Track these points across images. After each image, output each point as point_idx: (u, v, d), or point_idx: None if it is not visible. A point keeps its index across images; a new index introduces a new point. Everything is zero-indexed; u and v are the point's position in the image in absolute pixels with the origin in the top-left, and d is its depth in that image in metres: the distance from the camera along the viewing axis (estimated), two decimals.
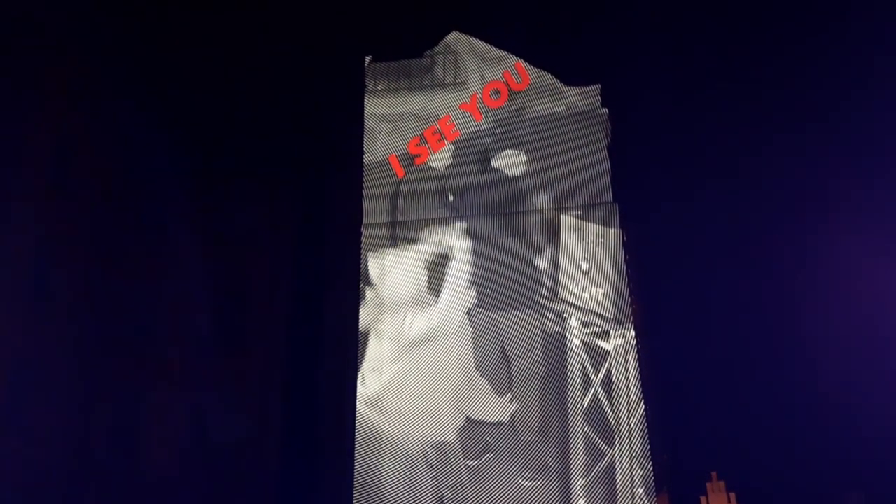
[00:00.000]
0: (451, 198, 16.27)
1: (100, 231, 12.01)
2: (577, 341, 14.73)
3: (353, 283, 15.73)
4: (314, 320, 15.94)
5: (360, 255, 16.12)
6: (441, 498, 14.13)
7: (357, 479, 14.38)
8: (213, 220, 15.21)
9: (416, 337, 15.26)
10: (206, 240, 14.90)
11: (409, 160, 16.70)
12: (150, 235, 13.64)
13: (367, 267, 15.95)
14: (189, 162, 14.78)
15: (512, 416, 14.52)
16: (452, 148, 16.66)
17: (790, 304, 14.50)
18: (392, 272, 15.81)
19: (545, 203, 15.88)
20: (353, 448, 14.57)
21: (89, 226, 11.83)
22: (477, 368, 14.91)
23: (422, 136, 16.83)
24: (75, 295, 11.29)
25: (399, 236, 16.20)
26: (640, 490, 13.62)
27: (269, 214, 15.97)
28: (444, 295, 15.40)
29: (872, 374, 13.37)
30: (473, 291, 15.39)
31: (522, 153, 16.26)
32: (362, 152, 16.95)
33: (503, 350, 14.98)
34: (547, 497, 13.85)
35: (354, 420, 14.74)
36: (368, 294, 15.70)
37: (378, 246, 16.16)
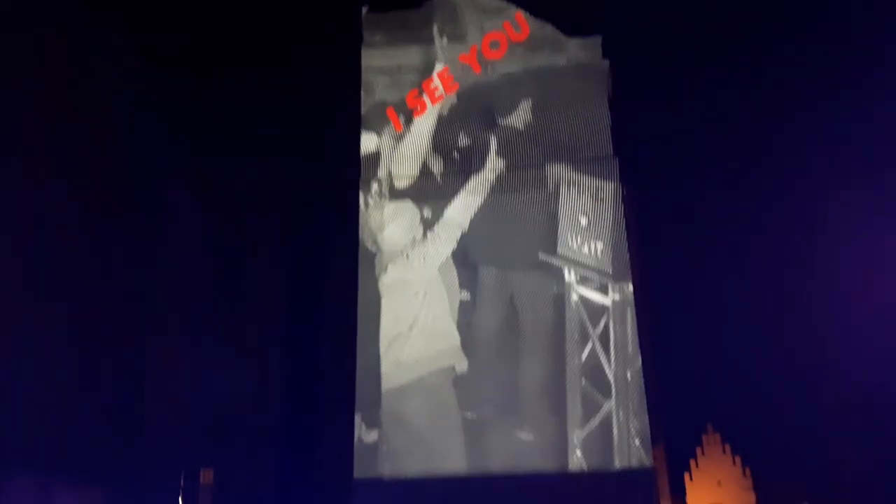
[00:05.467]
0: (456, 155, 16.10)
1: (101, 194, 11.86)
2: (575, 296, 14.75)
3: (352, 236, 15.67)
4: (314, 274, 15.91)
5: (357, 208, 16.01)
6: (440, 449, 14.31)
7: (357, 436, 14.53)
8: (212, 179, 15.02)
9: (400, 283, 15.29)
10: (206, 199, 14.74)
11: (407, 113, 16.49)
12: (150, 198, 13.46)
13: (367, 220, 15.90)
14: (187, 122, 14.51)
15: (508, 370, 14.61)
16: (452, 100, 16.44)
17: (789, 260, 14.55)
18: (390, 225, 15.75)
19: (545, 157, 15.76)
20: (354, 405, 14.68)
21: (91, 189, 11.67)
22: (471, 322, 14.96)
23: (420, 88, 16.59)
24: (78, 256, 11.18)
25: (396, 191, 16.09)
26: (637, 441, 13.80)
27: (267, 172, 15.79)
28: (435, 247, 15.39)
29: (868, 328, 13.48)
30: (456, 242, 15.35)
31: (525, 108, 16.06)
32: (359, 105, 16.73)
33: (502, 305, 15.01)
34: (545, 449, 14.02)
35: (355, 372, 14.82)
36: (372, 246, 15.71)
37: (376, 200, 16.07)
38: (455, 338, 14.82)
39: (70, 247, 11.10)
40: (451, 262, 15.28)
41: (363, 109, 16.69)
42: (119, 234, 12.33)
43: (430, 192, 15.85)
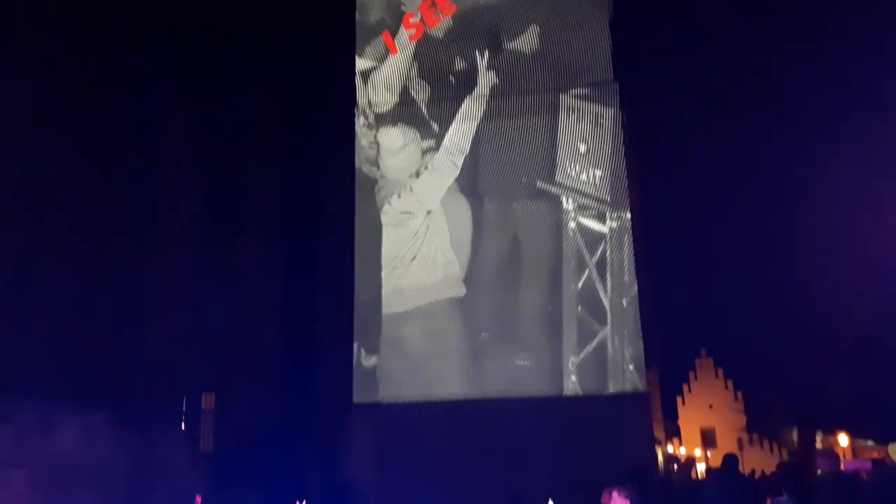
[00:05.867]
0: (451, 79, 15.77)
1: (96, 118, 11.64)
2: (572, 224, 14.71)
3: (349, 161, 15.52)
4: (313, 199, 15.82)
5: (354, 137, 15.81)
6: (438, 375, 14.54)
7: (356, 362, 14.75)
8: (207, 106, 14.73)
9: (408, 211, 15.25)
10: (202, 123, 14.49)
11: (403, 37, 16.09)
12: (145, 123, 13.22)
13: (364, 146, 15.73)
14: (181, 44, 14.11)
15: (506, 298, 14.69)
16: (449, 23, 16.01)
17: (786, 188, 14.47)
18: (391, 154, 15.58)
19: (544, 82, 15.45)
20: (353, 331, 14.86)
21: (86, 113, 11.44)
22: (470, 251, 14.96)
23: (417, 10, 16.13)
24: (75, 181, 11.07)
25: (390, 116, 15.85)
26: (631, 367, 13.99)
27: (263, 94, 15.49)
28: (439, 175, 15.26)
29: (860, 259, 13.52)
30: (457, 170, 15.22)
31: (524, 31, 15.62)
32: (354, 29, 16.32)
33: (500, 234, 14.98)
34: (540, 375, 14.23)
35: (353, 294, 14.93)
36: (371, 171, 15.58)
37: (373, 126, 15.86)
38: (455, 267, 14.85)
39: (68, 172, 10.98)
40: (453, 190, 15.19)
41: (358, 32, 16.30)
42: (115, 158, 12.20)
43: (426, 119, 15.61)
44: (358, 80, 16.07)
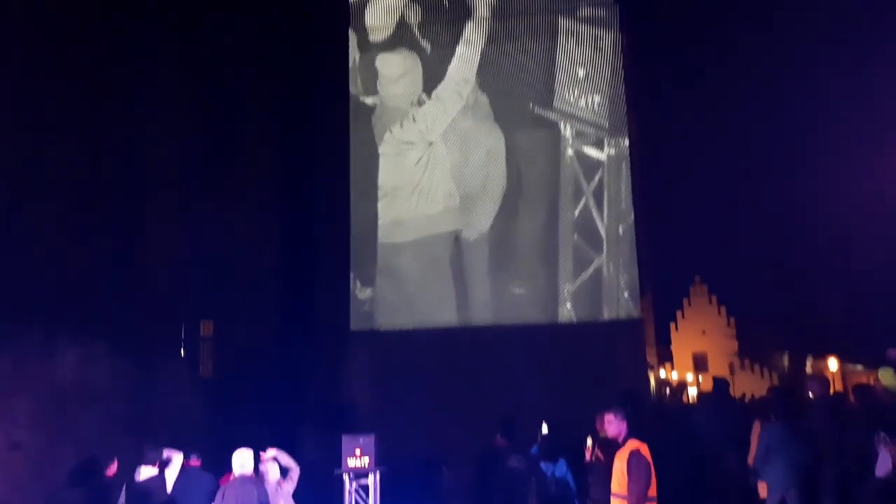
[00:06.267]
0: (445, 2, 15.29)
1: (86, 54, 11.31)
2: (570, 152, 14.54)
3: (344, 89, 15.21)
4: (306, 126, 15.56)
5: (348, 64, 15.43)
6: (434, 304, 14.64)
7: (352, 293, 14.79)
8: (198, 35, 14.26)
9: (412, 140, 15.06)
10: (192, 55, 14.08)
11: None
12: (135, 54, 12.83)
13: (361, 73, 15.39)
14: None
15: (503, 226, 14.64)
16: None
17: (789, 118, 14.27)
18: (390, 82, 15.22)
19: (542, 4, 15.00)
20: (349, 254, 14.87)
21: (76, 50, 11.11)
22: (469, 180, 14.81)
23: None
24: (69, 113, 10.86)
25: (385, 44, 15.44)
26: (626, 294, 14.08)
27: (256, 23, 15.01)
28: (443, 105, 14.97)
29: (855, 187, 13.48)
30: (464, 99, 14.92)
31: None
32: None
33: (498, 162, 14.79)
34: (535, 302, 14.33)
35: (349, 223, 14.88)
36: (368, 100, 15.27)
37: (370, 53, 15.47)
38: (456, 198, 14.70)
39: (60, 106, 10.76)
40: (456, 120, 14.90)
41: None
42: (109, 90, 11.97)
43: (426, 44, 15.20)
44: (353, 4, 15.58)
